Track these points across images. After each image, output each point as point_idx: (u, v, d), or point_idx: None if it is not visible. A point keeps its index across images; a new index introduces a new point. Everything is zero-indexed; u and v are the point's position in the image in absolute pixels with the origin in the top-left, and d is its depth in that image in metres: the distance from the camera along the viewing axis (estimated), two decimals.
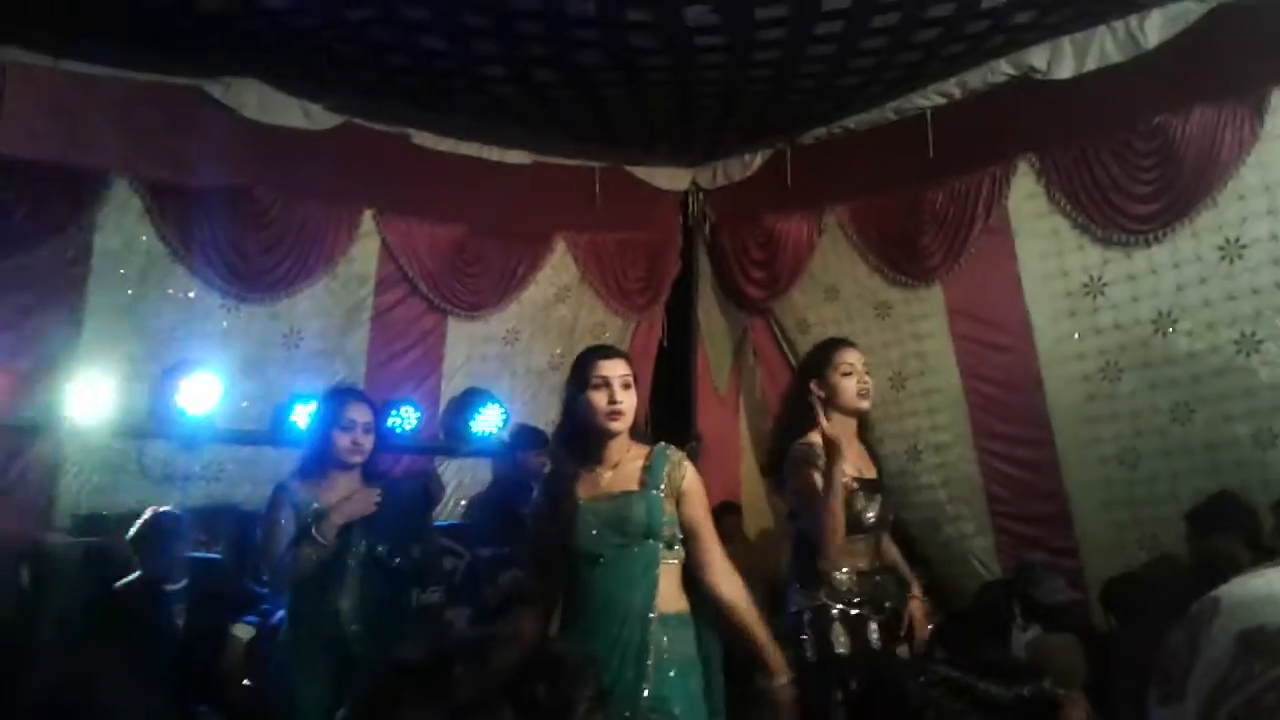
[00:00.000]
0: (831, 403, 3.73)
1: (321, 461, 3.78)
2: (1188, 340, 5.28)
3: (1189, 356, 5.28)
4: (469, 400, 6.39)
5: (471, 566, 5.40)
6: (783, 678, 3.08)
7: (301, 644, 3.67)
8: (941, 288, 6.14)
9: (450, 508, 6.41)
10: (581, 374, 3.08)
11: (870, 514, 3.73)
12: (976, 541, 6.11)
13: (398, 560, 3.76)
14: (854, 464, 3.77)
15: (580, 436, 3.11)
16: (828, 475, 3.53)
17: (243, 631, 4.35)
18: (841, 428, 3.67)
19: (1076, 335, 5.65)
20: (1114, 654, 3.98)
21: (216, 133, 5.55)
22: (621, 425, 3.05)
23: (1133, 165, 5.35)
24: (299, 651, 3.65)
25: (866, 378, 3.83)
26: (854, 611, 3.65)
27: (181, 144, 5.48)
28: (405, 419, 6.13)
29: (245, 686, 4.02)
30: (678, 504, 3.08)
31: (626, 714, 2.84)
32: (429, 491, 5.69)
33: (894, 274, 6.36)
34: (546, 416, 6.09)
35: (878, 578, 3.76)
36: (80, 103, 5.23)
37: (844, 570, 3.67)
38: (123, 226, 5.42)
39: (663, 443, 3.19)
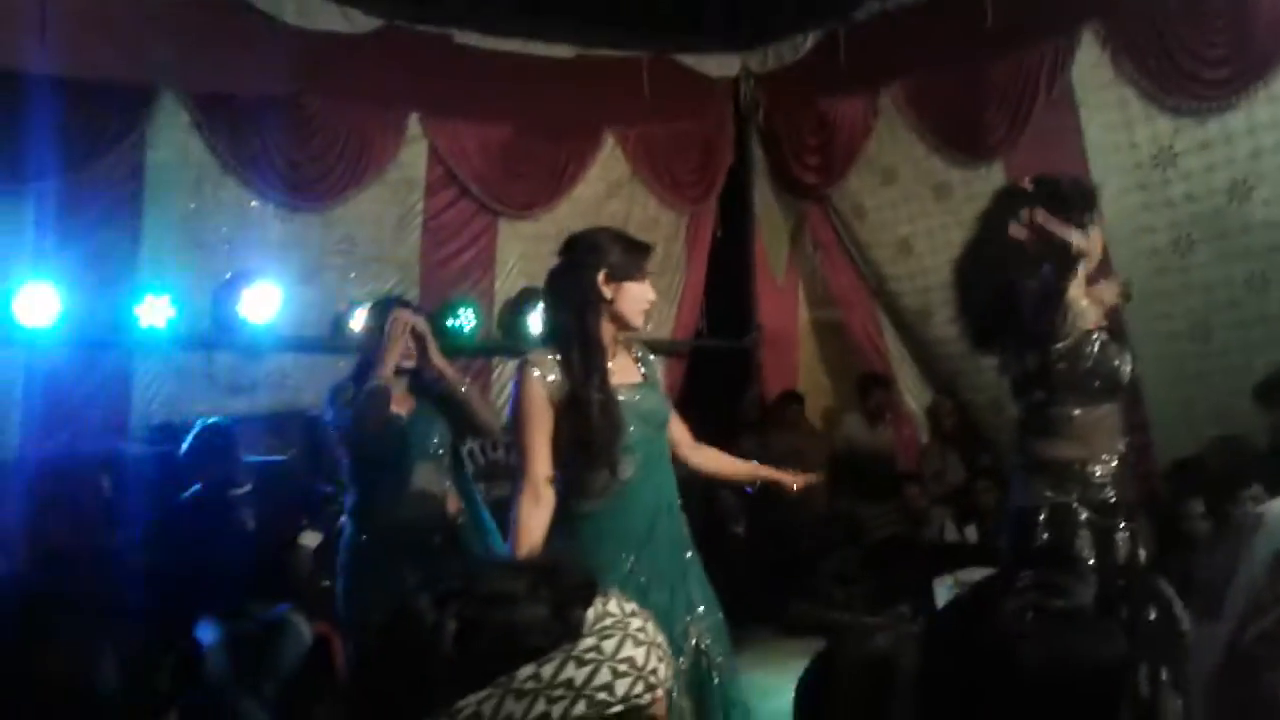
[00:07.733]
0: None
1: (372, 369, 3.74)
2: (1264, 209, 5.10)
3: (1265, 225, 5.10)
4: (525, 300, 6.39)
5: None
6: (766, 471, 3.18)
7: (365, 544, 3.71)
8: (1003, 165, 5.95)
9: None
10: (627, 262, 2.94)
11: (1127, 368, 2.72)
12: None
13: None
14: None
15: (604, 325, 2.92)
16: None
17: (310, 539, 4.44)
18: None
19: (1146, 208, 5.46)
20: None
21: (259, 41, 5.51)
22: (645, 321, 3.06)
23: (1203, 26, 5.11)
24: (361, 551, 3.70)
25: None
26: (1105, 521, 2.71)
27: (225, 54, 5.45)
28: (465, 319, 6.16)
29: (326, 588, 4.07)
30: None
31: (687, 617, 2.86)
32: None
33: (953, 153, 6.20)
34: None
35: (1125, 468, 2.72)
36: (123, 18, 5.21)
37: (1104, 459, 2.68)
38: (173, 140, 5.45)
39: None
